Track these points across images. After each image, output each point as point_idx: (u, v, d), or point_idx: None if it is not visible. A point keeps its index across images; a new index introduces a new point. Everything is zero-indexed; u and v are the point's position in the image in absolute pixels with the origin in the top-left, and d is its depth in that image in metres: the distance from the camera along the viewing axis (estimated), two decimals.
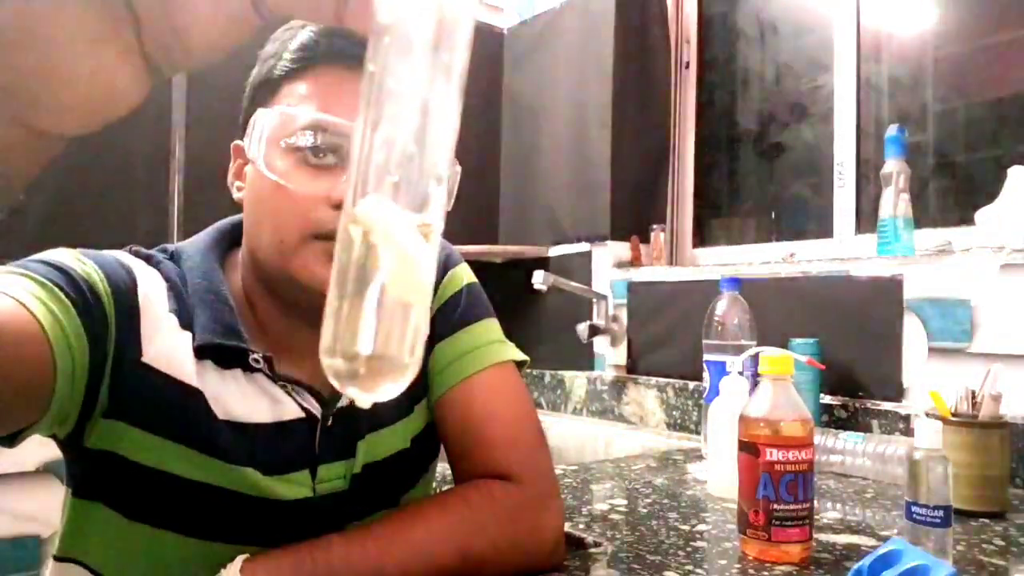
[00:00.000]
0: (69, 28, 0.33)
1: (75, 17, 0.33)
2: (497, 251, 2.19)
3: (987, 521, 1.00)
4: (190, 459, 0.68)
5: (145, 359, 0.67)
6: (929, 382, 1.32)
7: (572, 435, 1.89)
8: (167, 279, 0.71)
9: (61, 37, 0.33)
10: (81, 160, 1.62)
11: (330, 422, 0.74)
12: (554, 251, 2.14)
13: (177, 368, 0.68)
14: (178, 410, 0.67)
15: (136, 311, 0.67)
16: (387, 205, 0.31)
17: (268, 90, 0.70)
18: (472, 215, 2.28)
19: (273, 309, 0.74)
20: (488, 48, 2.33)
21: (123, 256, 0.71)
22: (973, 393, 1.07)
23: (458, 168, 0.70)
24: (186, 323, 0.69)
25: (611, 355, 1.97)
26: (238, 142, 0.73)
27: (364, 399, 0.32)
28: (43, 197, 1.58)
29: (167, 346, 0.68)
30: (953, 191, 1.63)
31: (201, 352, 0.69)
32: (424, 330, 0.32)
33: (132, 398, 0.66)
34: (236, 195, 0.75)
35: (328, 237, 0.65)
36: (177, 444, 0.67)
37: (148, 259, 0.73)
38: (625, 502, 1.09)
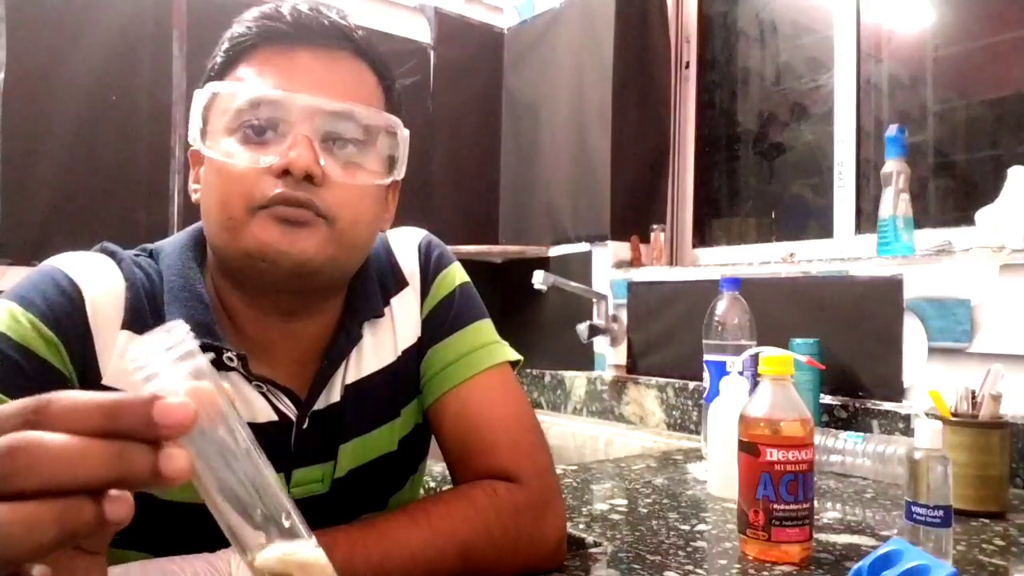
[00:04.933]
0: None
1: None
2: (497, 251, 2.19)
3: (987, 521, 1.00)
4: None
5: (105, 380, 0.66)
6: (929, 382, 1.32)
7: (572, 435, 1.89)
8: (129, 278, 0.69)
9: None
10: (81, 159, 1.62)
11: (306, 425, 0.73)
12: (554, 251, 2.14)
13: (136, 383, 0.67)
14: None
15: (88, 333, 0.66)
16: (279, 545, 0.37)
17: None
18: (472, 215, 2.28)
19: (245, 307, 0.73)
20: (488, 48, 2.33)
21: (76, 266, 0.68)
22: (973, 393, 1.08)
23: (406, 133, 0.72)
24: (147, 328, 0.67)
25: (611, 355, 1.97)
26: (193, 148, 0.72)
27: None
28: (43, 196, 1.58)
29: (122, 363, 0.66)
30: (953, 191, 1.63)
31: None
32: None
33: None
34: (194, 198, 0.74)
35: (273, 205, 0.65)
36: None
37: (113, 255, 0.71)
38: (625, 502, 1.09)
